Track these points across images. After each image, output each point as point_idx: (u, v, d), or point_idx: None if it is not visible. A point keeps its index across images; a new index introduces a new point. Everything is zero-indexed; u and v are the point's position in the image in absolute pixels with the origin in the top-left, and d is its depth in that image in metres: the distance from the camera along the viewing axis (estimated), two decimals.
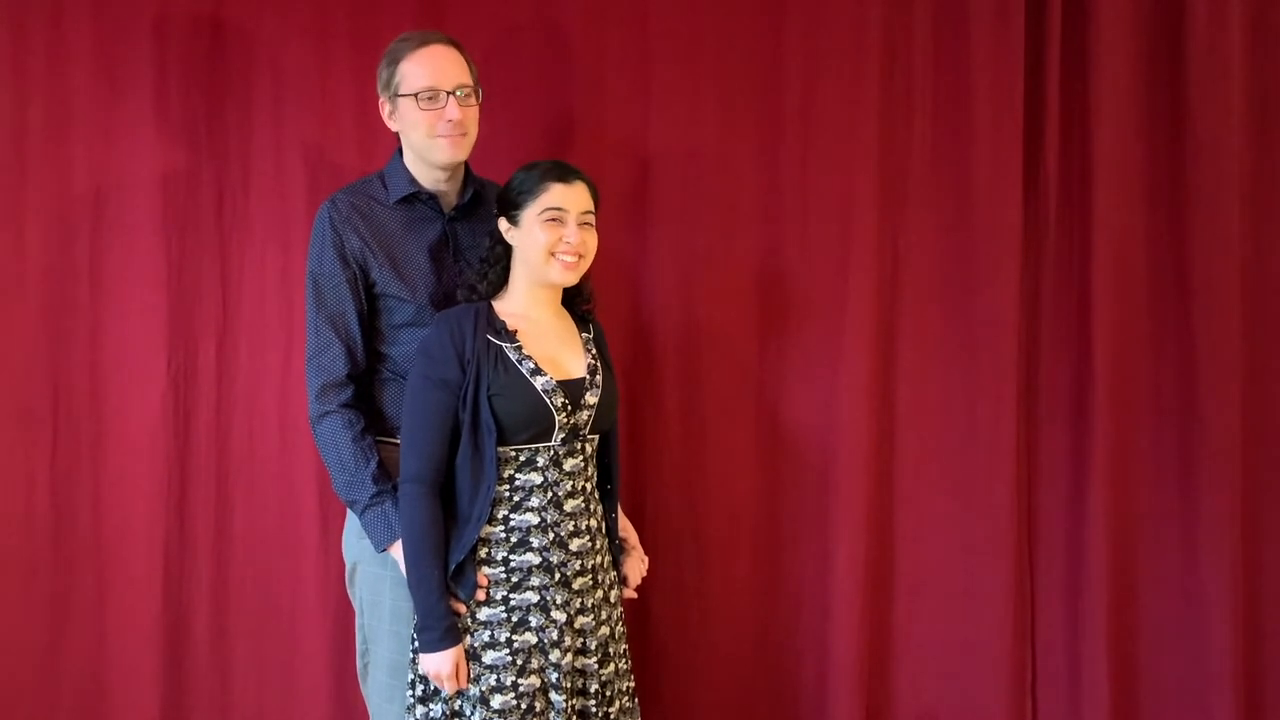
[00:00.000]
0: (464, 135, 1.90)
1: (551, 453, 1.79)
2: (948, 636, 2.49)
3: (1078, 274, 2.50)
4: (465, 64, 1.92)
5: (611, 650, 1.87)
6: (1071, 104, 2.49)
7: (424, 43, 1.89)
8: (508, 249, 1.87)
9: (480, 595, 1.75)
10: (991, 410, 2.47)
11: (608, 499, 1.94)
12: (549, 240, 1.79)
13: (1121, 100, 2.47)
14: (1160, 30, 2.49)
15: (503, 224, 1.85)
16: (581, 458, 1.83)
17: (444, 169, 1.93)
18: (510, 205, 1.83)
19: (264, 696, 2.33)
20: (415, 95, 1.86)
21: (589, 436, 1.85)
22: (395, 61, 1.89)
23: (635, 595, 2.03)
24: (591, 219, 1.84)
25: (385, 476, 1.84)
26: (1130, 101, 2.48)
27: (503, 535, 1.76)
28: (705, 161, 2.42)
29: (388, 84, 1.91)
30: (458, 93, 1.87)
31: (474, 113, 1.92)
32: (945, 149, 2.47)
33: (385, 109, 1.94)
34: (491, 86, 2.05)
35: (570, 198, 1.80)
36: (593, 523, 1.86)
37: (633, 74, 2.41)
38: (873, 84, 2.42)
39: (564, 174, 1.81)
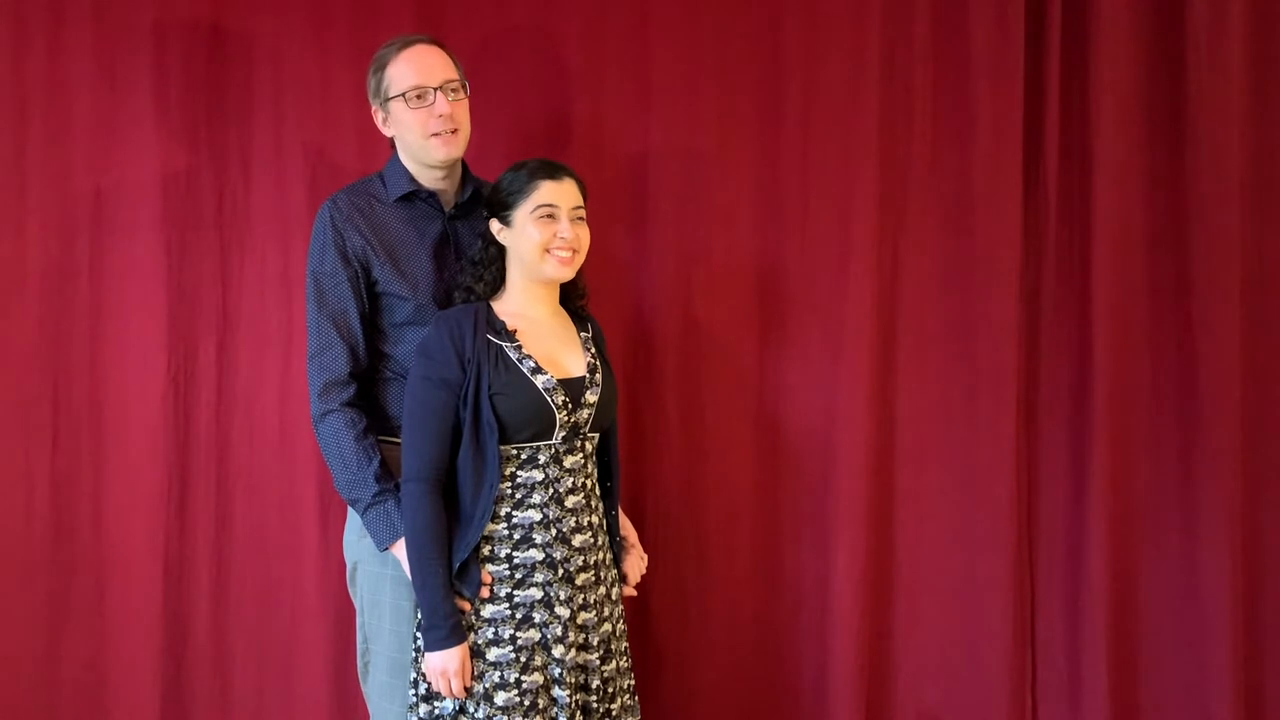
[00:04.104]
0: (456, 131, 1.91)
1: (552, 450, 1.79)
2: (948, 636, 2.49)
3: (1078, 274, 2.50)
4: (451, 61, 1.93)
5: (613, 647, 1.88)
6: (1071, 104, 2.49)
7: (407, 44, 1.91)
8: (500, 250, 1.87)
9: (484, 593, 1.75)
10: (991, 410, 2.47)
11: (608, 497, 1.95)
12: (543, 237, 1.80)
13: (1121, 100, 2.47)
14: (1160, 30, 2.49)
15: (494, 225, 1.86)
16: (581, 455, 1.83)
17: (440, 167, 1.94)
18: (501, 206, 1.84)
19: (264, 696, 2.33)
20: (404, 95, 1.88)
21: (589, 435, 1.85)
22: (382, 67, 1.92)
23: (635, 593, 2.03)
24: (582, 213, 1.85)
25: (388, 475, 1.84)
26: (1130, 101, 2.49)
27: (505, 532, 1.77)
28: (705, 161, 2.42)
29: (377, 90, 1.93)
30: (445, 88, 1.89)
31: (464, 107, 1.93)
32: (945, 149, 2.47)
33: (378, 116, 1.95)
34: (490, 87, 2.05)
35: (560, 194, 1.81)
36: (594, 519, 1.86)
37: (632, 74, 2.41)
38: (873, 84, 2.42)
39: (553, 171, 1.83)
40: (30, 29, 2.23)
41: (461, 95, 1.93)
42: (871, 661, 2.45)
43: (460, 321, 1.80)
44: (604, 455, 1.94)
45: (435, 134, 1.89)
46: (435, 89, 1.88)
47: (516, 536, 1.77)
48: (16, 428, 2.24)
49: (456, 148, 1.92)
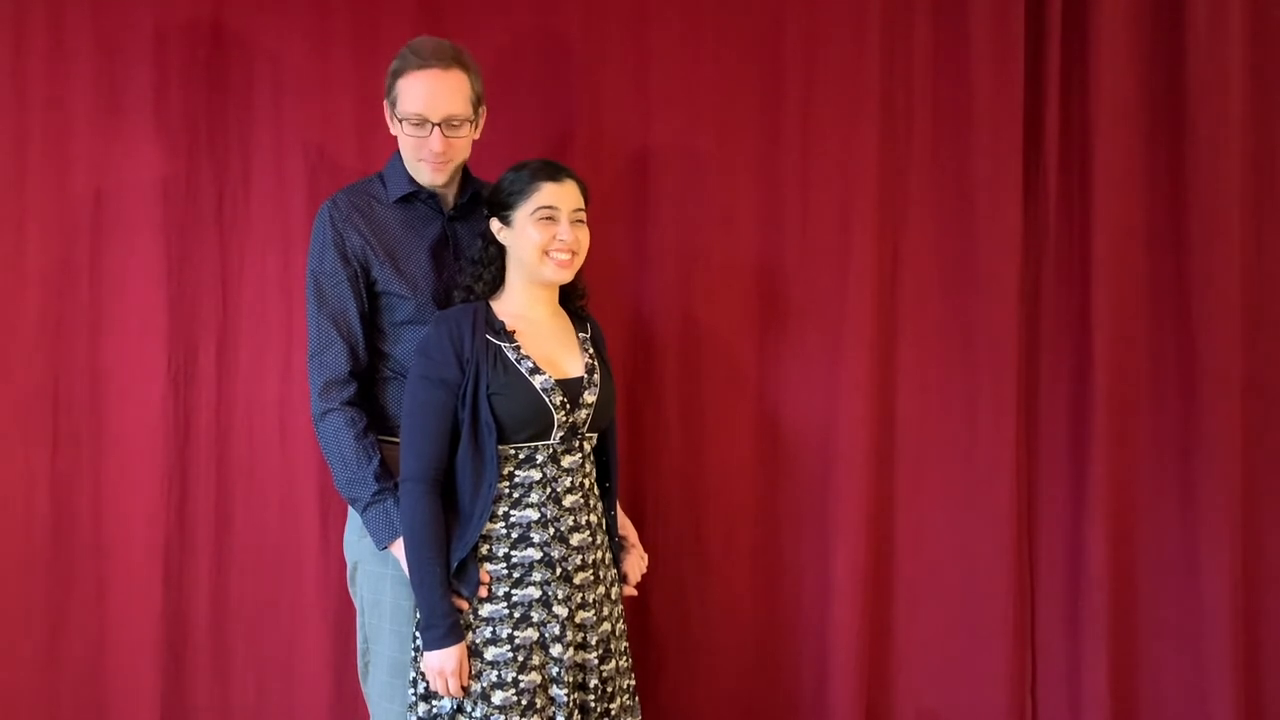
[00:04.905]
0: (447, 163, 1.91)
1: (550, 450, 1.79)
2: (948, 636, 2.49)
3: (1078, 274, 2.50)
4: (466, 86, 1.89)
5: (612, 647, 1.88)
6: (1071, 104, 2.49)
7: (424, 64, 1.86)
8: (500, 249, 1.87)
9: (482, 592, 1.75)
10: (991, 410, 2.47)
11: (606, 497, 1.95)
12: (542, 239, 1.80)
13: (1121, 100, 2.47)
14: (1160, 30, 2.49)
15: (494, 225, 1.86)
16: (579, 455, 1.84)
17: (426, 187, 1.95)
18: (501, 206, 1.84)
19: (264, 696, 2.33)
20: (403, 119, 1.88)
21: (587, 435, 1.85)
22: (396, 75, 1.89)
23: (635, 593, 2.03)
24: (583, 216, 1.85)
25: (387, 474, 1.84)
26: (1130, 101, 2.49)
27: (503, 531, 1.77)
28: (705, 162, 2.42)
29: (388, 94, 1.92)
30: (445, 124, 1.87)
31: (462, 142, 1.92)
32: (945, 149, 2.47)
33: (387, 114, 1.95)
34: (491, 87, 2.05)
35: (562, 196, 1.81)
36: (593, 518, 1.86)
37: (633, 74, 2.41)
38: (873, 84, 2.42)
39: (554, 173, 1.82)
40: (30, 29, 2.23)
41: (463, 132, 1.90)
42: (871, 661, 2.45)
43: (459, 321, 1.80)
44: (602, 455, 1.94)
45: (424, 161, 1.90)
46: (435, 124, 1.86)
47: (514, 536, 1.77)
48: (16, 427, 2.24)
49: (443, 175, 1.92)
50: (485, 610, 1.75)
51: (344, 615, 2.23)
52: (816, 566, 2.45)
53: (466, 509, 1.77)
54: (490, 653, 1.74)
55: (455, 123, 1.88)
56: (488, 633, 1.75)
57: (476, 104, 1.93)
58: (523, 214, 1.81)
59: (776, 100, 2.44)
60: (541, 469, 1.79)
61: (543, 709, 1.75)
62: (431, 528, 1.74)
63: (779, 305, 2.45)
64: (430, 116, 1.86)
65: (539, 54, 2.39)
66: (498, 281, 1.89)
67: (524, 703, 1.73)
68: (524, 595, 1.76)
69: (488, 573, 1.76)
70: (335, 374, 1.87)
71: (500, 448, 1.77)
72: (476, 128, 1.97)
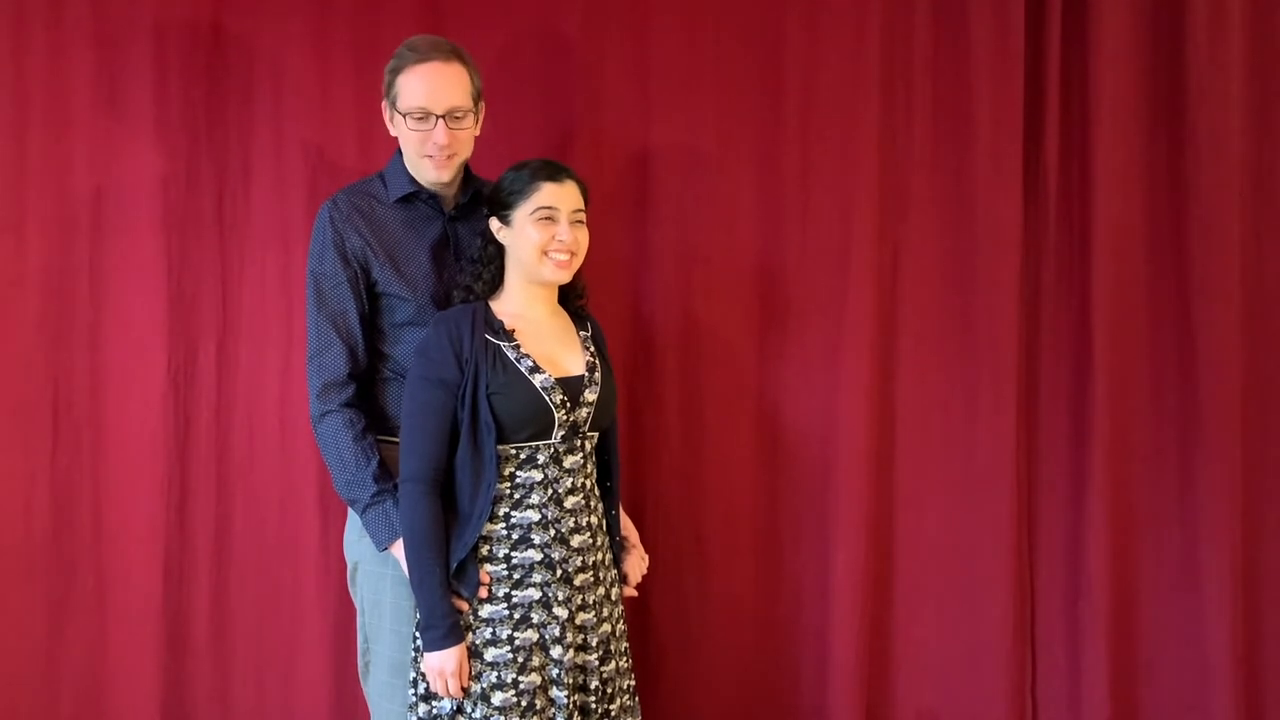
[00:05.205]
0: (452, 157, 1.90)
1: (551, 450, 1.79)
2: (948, 636, 2.49)
3: (1078, 274, 2.50)
4: (466, 80, 1.90)
5: (612, 648, 1.88)
6: (1071, 104, 2.49)
7: (423, 58, 1.87)
8: (500, 248, 1.87)
9: (482, 593, 1.75)
10: (991, 409, 2.47)
11: (608, 496, 1.95)
12: (541, 239, 1.80)
13: (1121, 100, 2.47)
14: (1160, 30, 2.49)
15: (494, 224, 1.86)
16: (581, 455, 1.84)
17: (430, 185, 1.95)
18: (501, 205, 1.84)
19: (264, 696, 2.33)
20: (406, 114, 1.87)
21: (588, 434, 1.85)
22: (395, 72, 1.89)
23: (635, 594, 2.03)
24: (583, 216, 1.85)
25: (386, 475, 1.84)
26: (1130, 101, 2.49)
27: (504, 533, 1.77)
28: (705, 161, 2.42)
29: (387, 93, 1.92)
30: (449, 117, 1.87)
31: (466, 134, 1.92)
32: (945, 149, 2.47)
33: (386, 114, 1.94)
34: (492, 87, 2.05)
35: (561, 196, 1.81)
36: (594, 519, 1.86)
37: (633, 74, 2.41)
38: (873, 84, 2.42)
39: (554, 173, 1.82)
40: (30, 29, 2.22)
41: (466, 124, 1.90)
42: (871, 661, 2.45)
43: (458, 322, 1.80)
44: (603, 455, 1.94)
45: (429, 155, 1.89)
46: (438, 116, 1.86)
47: (515, 537, 1.77)
48: (16, 428, 2.24)
49: (448, 171, 1.92)
50: (485, 611, 1.75)
51: (344, 615, 2.23)
52: (816, 566, 2.45)
53: (466, 509, 1.76)
54: (490, 654, 1.74)
55: (459, 114, 1.88)
56: (488, 634, 1.75)
57: (476, 98, 1.93)
58: (522, 214, 1.81)
59: (776, 99, 2.44)
60: (543, 469, 1.79)
61: (543, 710, 1.75)
62: (431, 528, 1.74)
63: (779, 305, 2.45)
64: (434, 109, 1.86)
65: (539, 54, 2.39)
66: (497, 281, 1.89)
67: (524, 704, 1.73)
68: (524, 596, 1.76)
69: (488, 574, 1.76)
70: (334, 376, 1.87)
71: (501, 448, 1.77)
72: (477, 123, 1.97)
